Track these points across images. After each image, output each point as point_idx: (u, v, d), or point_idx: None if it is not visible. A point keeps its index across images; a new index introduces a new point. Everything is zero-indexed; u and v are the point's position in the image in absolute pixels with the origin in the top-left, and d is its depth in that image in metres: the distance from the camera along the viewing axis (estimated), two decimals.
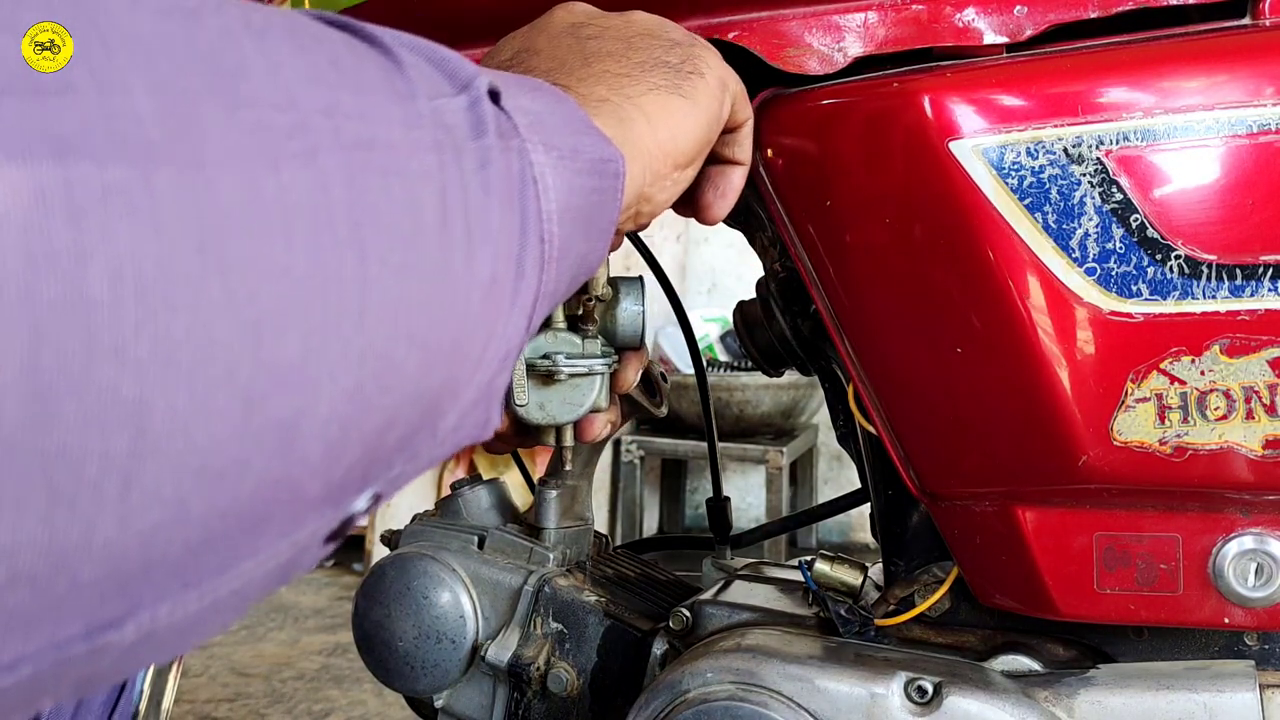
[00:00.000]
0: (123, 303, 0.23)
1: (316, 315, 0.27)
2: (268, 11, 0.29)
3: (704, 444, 3.10)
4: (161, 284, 0.23)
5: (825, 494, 3.71)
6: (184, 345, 0.24)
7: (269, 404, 0.26)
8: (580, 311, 0.67)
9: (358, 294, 0.28)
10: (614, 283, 0.68)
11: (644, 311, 0.70)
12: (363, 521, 0.44)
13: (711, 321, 3.48)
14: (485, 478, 0.87)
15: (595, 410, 0.69)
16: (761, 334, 0.75)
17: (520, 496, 0.87)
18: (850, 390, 0.66)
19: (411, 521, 0.83)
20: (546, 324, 0.67)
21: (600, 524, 2.12)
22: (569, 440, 0.71)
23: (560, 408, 0.69)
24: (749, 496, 3.77)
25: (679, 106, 0.51)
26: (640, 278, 0.72)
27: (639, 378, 0.80)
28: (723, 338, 3.46)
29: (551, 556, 0.79)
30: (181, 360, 0.24)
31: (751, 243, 0.77)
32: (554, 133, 0.40)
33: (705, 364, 0.91)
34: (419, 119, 0.33)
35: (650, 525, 3.67)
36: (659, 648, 0.74)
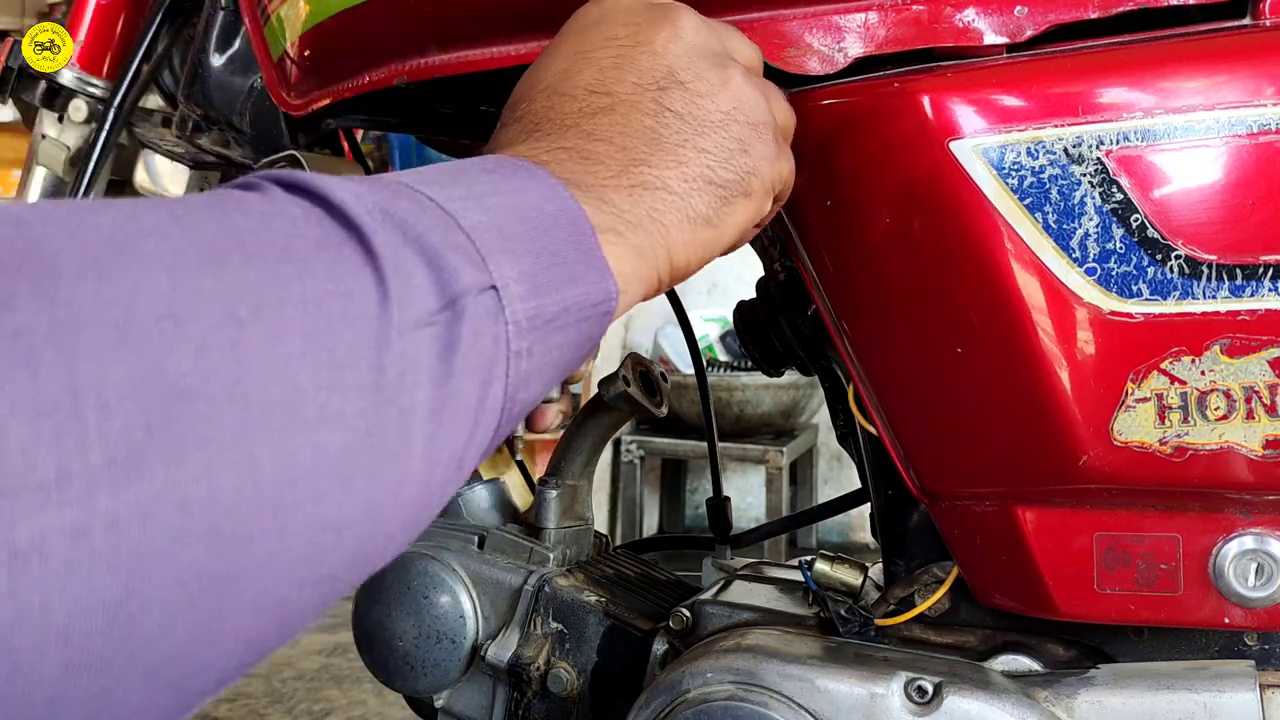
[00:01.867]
0: None
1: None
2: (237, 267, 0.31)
3: (704, 444, 3.10)
4: None
5: (825, 494, 3.71)
6: None
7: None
8: None
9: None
10: None
11: None
12: None
13: (711, 321, 3.48)
14: (485, 478, 0.87)
15: (546, 401, 0.68)
16: (761, 334, 0.75)
17: (520, 496, 0.87)
18: (850, 390, 0.66)
19: None
20: None
21: (600, 524, 2.11)
22: (520, 430, 0.71)
23: None
24: (749, 496, 3.77)
25: (706, 239, 0.49)
26: None
27: (638, 378, 0.80)
28: (723, 338, 3.46)
29: (551, 556, 0.79)
30: None
31: (751, 243, 0.77)
32: (548, 292, 0.40)
33: (705, 364, 0.91)
34: (384, 367, 0.34)
35: (650, 525, 3.67)
36: (659, 647, 0.74)
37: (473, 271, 0.37)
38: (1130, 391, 0.54)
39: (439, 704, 0.80)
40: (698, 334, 3.62)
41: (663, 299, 0.92)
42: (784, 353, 0.74)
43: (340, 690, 2.46)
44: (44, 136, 1.01)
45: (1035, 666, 0.64)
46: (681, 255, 0.48)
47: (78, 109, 0.99)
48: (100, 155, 0.93)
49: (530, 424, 0.68)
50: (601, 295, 0.43)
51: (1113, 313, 0.53)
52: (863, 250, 0.60)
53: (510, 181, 0.43)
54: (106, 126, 0.94)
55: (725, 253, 0.54)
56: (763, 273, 0.78)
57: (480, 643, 0.77)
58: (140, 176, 1.02)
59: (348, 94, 0.73)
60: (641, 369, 0.82)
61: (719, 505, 0.88)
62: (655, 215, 0.47)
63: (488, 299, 0.38)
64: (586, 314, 0.42)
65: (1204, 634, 0.63)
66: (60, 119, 1.00)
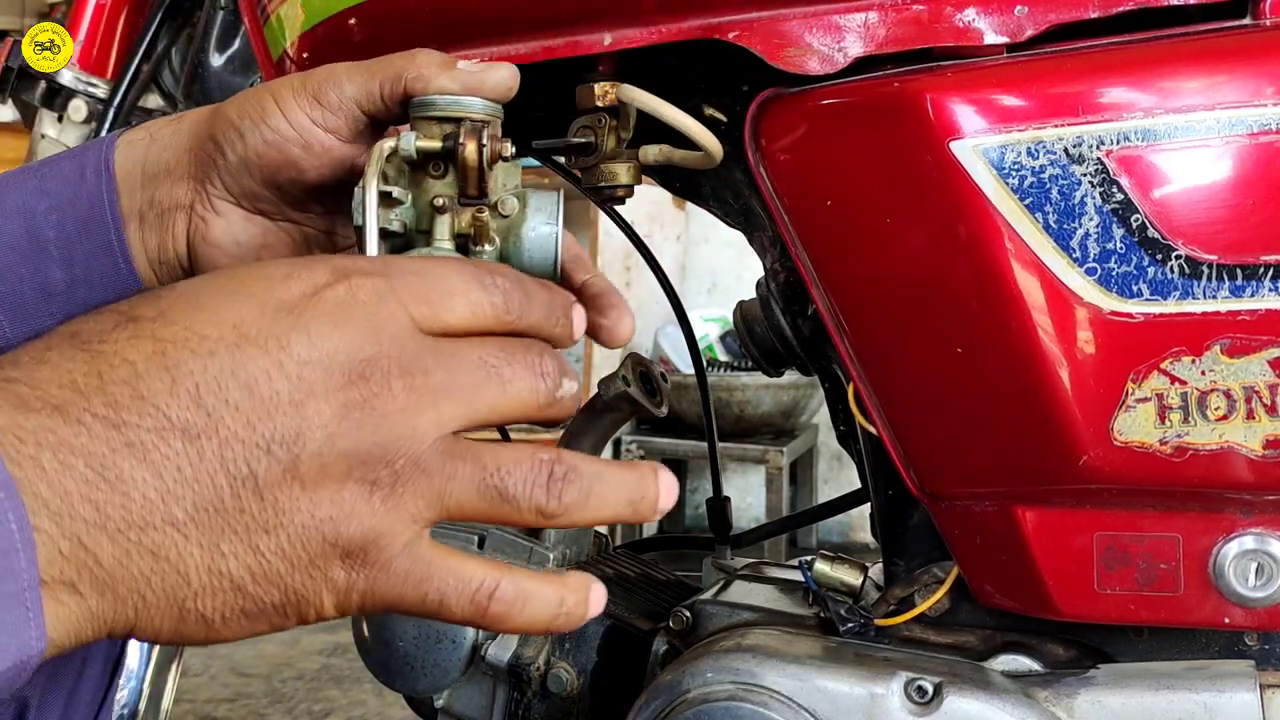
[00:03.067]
0: None
1: None
2: None
3: (704, 444, 3.10)
4: None
5: (825, 494, 3.71)
6: None
7: None
8: (472, 230, 0.50)
9: None
10: (521, 195, 0.52)
11: (558, 233, 0.52)
12: None
13: (711, 321, 3.48)
14: None
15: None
16: (761, 334, 0.75)
17: None
18: (850, 390, 0.66)
19: None
20: (425, 234, 0.50)
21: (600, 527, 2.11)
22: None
23: None
24: (749, 496, 3.77)
25: (188, 631, 0.37)
26: (558, 191, 0.54)
27: (637, 376, 0.80)
28: (723, 338, 3.46)
29: (551, 556, 0.79)
30: None
31: (751, 242, 0.77)
32: None
33: (705, 364, 0.91)
34: None
35: (650, 525, 3.67)
36: (659, 647, 0.74)
37: None
38: (1130, 391, 0.54)
39: (439, 704, 0.80)
40: (698, 334, 3.62)
41: (663, 299, 0.92)
42: (784, 353, 0.74)
43: (340, 690, 2.46)
44: (43, 136, 1.01)
45: (1035, 666, 0.64)
46: (150, 630, 0.37)
47: (77, 109, 0.99)
48: None
49: None
50: (12, 659, 0.33)
51: (1113, 313, 0.53)
52: (862, 250, 0.60)
53: None
54: (106, 126, 0.94)
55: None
56: (762, 272, 0.78)
57: (480, 643, 0.77)
58: None
59: None
60: (642, 369, 0.81)
61: (719, 505, 0.88)
62: (140, 588, 0.36)
63: None
64: None
65: (1204, 634, 0.63)
66: (60, 119, 1.00)
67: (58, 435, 0.35)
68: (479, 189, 0.49)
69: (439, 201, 0.49)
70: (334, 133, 0.52)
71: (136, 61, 0.95)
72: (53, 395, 0.35)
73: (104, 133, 0.94)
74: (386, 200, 0.49)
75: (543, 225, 0.52)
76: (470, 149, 0.48)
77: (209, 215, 0.54)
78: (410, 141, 0.48)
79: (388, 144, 0.49)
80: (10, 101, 1.02)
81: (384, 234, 0.48)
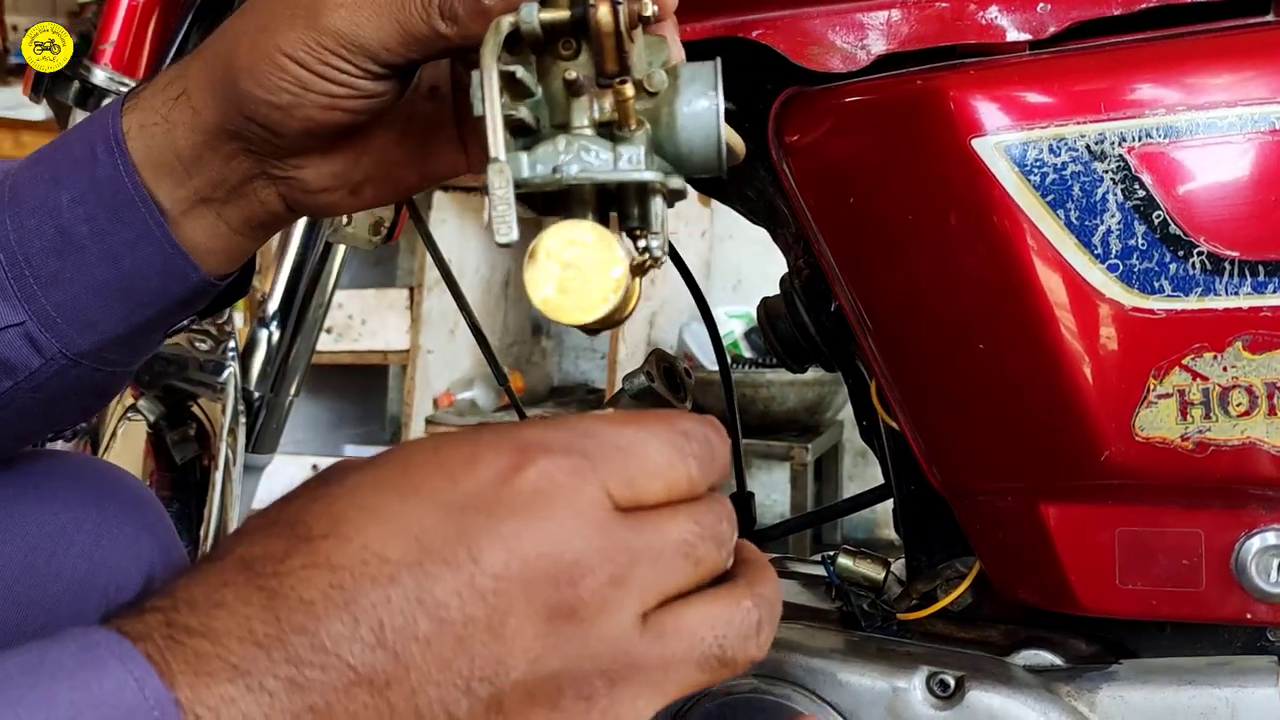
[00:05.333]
0: None
1: None
2: None
3: None
4: None
5: (850, 490, 3.70)
6: None
7: None
8: (615, 115, 0.42)
9: None
10: (671, 69, 0.44)
11: (719, 106, 0.44)
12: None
13: (736, 318, 3.48)
14: None
15: None
16: (785, 330, 0.75)
17: None
18: (873, 386, 0.66)
19: None
20: (562, 128, 0.43)
21: None
22: None
23: None
24: (774, 493, 3.77)
25: None
26: (714, 60, 0.45)
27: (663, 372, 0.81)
28: (748, 334, 3.46)
29: None
30: None
31: (775, 239, 0.78)
32: None
33: (730, 360, 0.91)
34: None
35: None
36: None
37: None
38: (1152, 387, 0.54)
39: None
40: (722, 331, 3.58)
41: (688, 295, 0.92)
42: (807, 348, 0.74)
43: None
44: None
45: (1057, 661, 0.64)
46: None
47: None
48: None
49: None
50: None
51: (1135, 309, 0.54)
52: (885, 247, 0.60)
53: None
54: None
55: None
56: (786, 269, 0.78)
57: None
58: None
59: None
60: (666, 364, 0.82)
61: (743, 500, 0.88)
62: None
63: None
64: None
65: (1226, 629, 0.63)
66: None
67: (240, 708, 0.32)
68: (619, 62, 0.41)
69: (573, 78, 0.41)
70: (385, 71, 0.46)
71: (168, 61, 0.97)
72: (233, 653, 0.32)
73: None
74: (511, 85, 0.42)
75: (699, 99, 0.44)
76: (604, 12, 0.40)
77: (292, 171, 0.50)
78: (532, 13, 0.41)
79: (506, 20, 0.41)
80: (44, 101, 1.04)
81: (511, 126, 0.42)
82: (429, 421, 3.44)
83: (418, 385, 3.38)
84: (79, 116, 1.04)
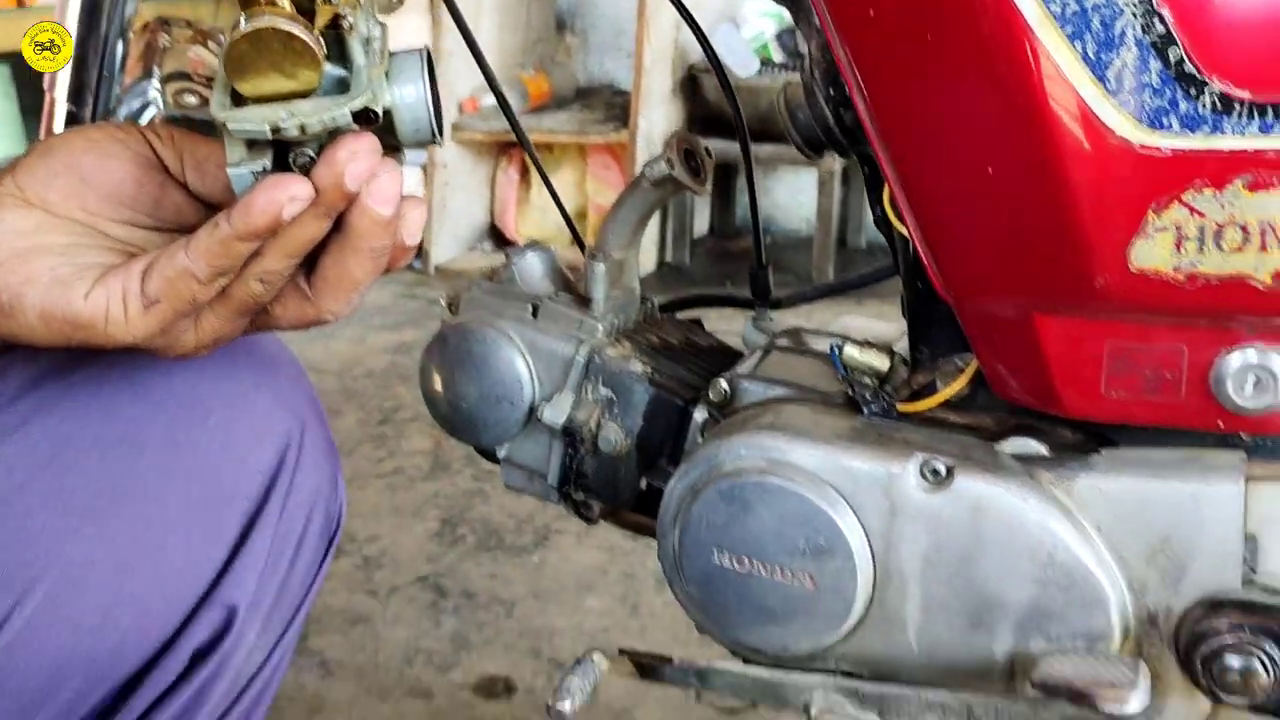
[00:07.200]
0: None
1: None
2: None
3: (756, 147, 3.08)
4: None
5: None
6: None
7: None
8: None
9: None
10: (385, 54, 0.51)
11: (425, 98, 0.52)
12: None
13: (767, 17, 3.36)
14: (535, 243, 0.91)
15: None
16: (804, 120, 0.76)
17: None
18: (886, 191, 0.68)
19: (470, 289, 0.89)
20: None
21: (651, 228, 2.13)
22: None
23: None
24: (800, 196, 3.78)
25: None
26: (422, 50, 0.54)
27: (680, 155, 0.82)
28: (779, 35, 3.35)
29: (600, 326, 0.84)
30: None
31: (797, 23, 0.77)
32: None
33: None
34: None
35: (701, 227, 3.72)
36: (699, 416, 0.80)
37: None
38: (1150, 221, 0.56)
39: (502, 455, 0.88)
40: (752, 31, 3.46)
41: None
42: (825, 140, 0.76)
43: (406, 388, 2.62)
44: None
45: (1042, 450, 0.69)
46: None
47: None
48: None
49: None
50: None
51: (1142, 145, 0.55)
52: (900, 64, 0.61)
53: None
54: None
55: None
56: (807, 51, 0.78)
57: (536, 404, 0.85)
58: None
59: None
60: (686, 147, 0.83)
61: (761, 272, 0.92)
62: None
63: None
64: None
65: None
66: None
67: None
68: None
69: None
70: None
71: None
72: None
73: None
74: None
75: (408, 85, 0.52)
76: None
77: None
78: None
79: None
80: None
81: None
82: (455, 128, 3.41)
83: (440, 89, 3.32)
84: None
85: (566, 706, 0.70)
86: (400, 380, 2.68)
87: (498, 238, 3.70)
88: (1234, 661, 0.62)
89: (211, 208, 0.58)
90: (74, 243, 0.56)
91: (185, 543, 0.62)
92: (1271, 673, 0.61)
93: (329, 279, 0.55)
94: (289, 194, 0.49)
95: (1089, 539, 0.65)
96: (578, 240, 1.05)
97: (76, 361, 0.62)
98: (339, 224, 0.53)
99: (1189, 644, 0.63)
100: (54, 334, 0.54)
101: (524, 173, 3.57)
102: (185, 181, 0.59)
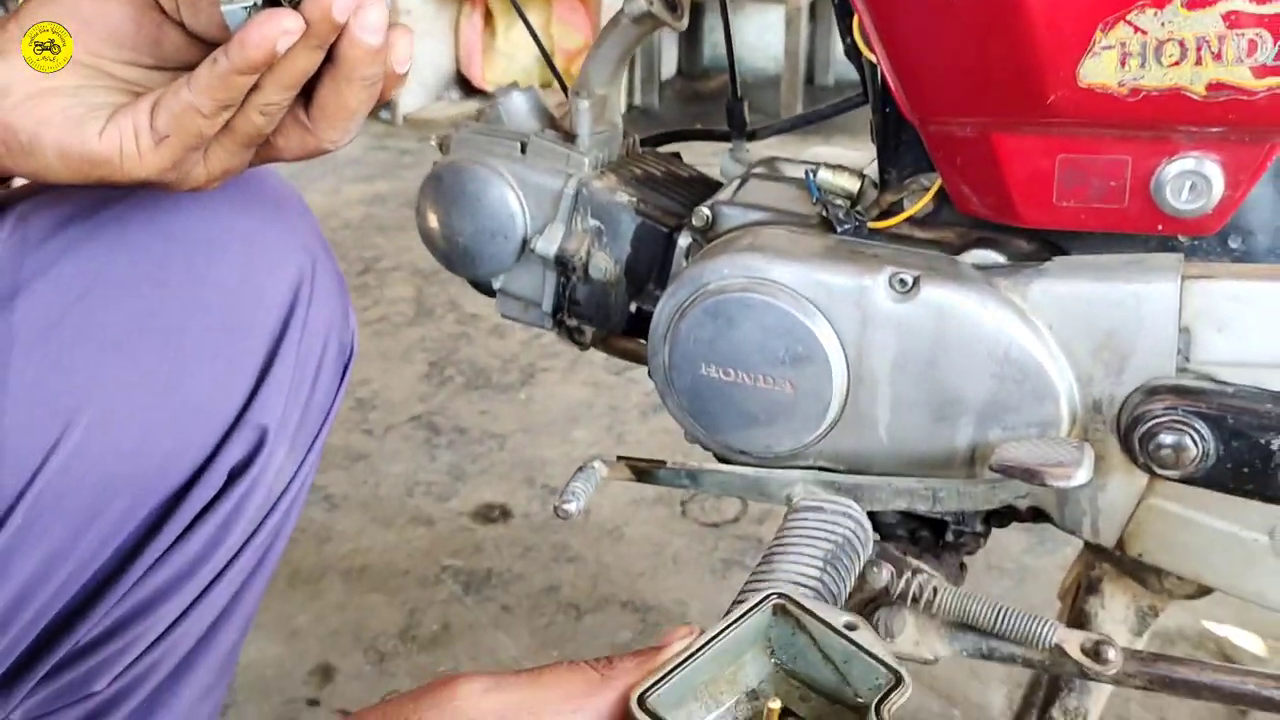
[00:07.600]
0: None
1: None
2: None
3: None
4: None
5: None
6: None
7: None
8: None
9: None
10: None
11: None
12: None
13: None
14: (520, 85, 0.95)
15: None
16: None
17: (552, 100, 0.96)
18: (855, 20, 0.72)
19: (459, 129, 0.93)
20: None
21: None
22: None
23: None
24: (767, 34, 3.75)
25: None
26: None
27: None
28: None
29: (587, 161, 0.89)
30: None
31: None
32: None
33: None
34: None
35: (669, 68, 3.70)
36: (683, 242, 0.86)
37: None
38: (1098, 39, 0.61)
39: (498, 286, 0.94)
40: None
41: None
42: None
43: (385, 238, 2.65)
44: None
45: (1000, 259, 0.76)
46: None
47: None
48: None
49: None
50: None
51: None
52: None
53: None
54: None
55: None
56: None
57: (529, 237, 0.90)
58: None
59: None
60: None
61: (737, 105, 0.96)
62: None
63: None
64: None
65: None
66: None
67: None
68: None
69: None
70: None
71: None
72: None
73: None
74: None
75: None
76: None
77: None
78: None
79: None
80: None
81: None
82: None
83: None
84: None
85: (571, 506, 0.77)
86: (377, 230, 2.71)
87: (465, 86, 3.67)
88: (1167, 438, 0.69)
89: (209, 45, 0.60)
90: (83, 84, 0.59)
91: (214, 370, 0.67)
92: (1200, 447, 0.69)
93: (326, 109, 0.58)
94: (281, 28, 0.53)
95: (1041, 337, 0.72)
96: (558, 79, 1.08)
97: (101, 204, 0.66)
98: (331, 56, 0.56)
99: (1128, 426, 0.71)
100: (73, 172, 0.58)
101: (488, 19, 3.52)
102: (181, 20, 0.61)
